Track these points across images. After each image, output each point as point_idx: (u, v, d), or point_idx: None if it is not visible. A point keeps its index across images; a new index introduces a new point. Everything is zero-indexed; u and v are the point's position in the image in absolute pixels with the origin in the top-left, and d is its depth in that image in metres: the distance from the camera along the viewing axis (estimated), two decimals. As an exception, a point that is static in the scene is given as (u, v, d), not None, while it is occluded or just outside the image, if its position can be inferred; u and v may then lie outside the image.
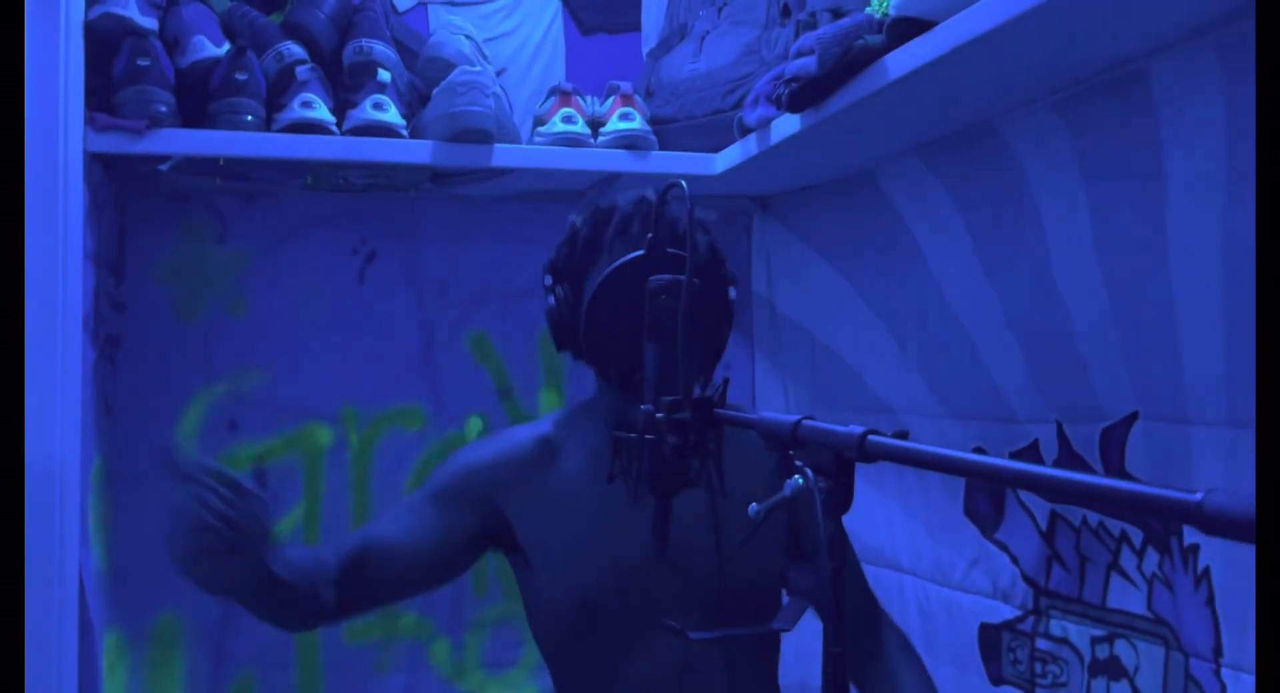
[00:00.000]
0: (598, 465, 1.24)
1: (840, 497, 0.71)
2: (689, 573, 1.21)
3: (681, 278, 0.99)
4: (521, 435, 1.30)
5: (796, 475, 0.72)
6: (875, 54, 1.30)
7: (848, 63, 1.32)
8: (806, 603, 0.73)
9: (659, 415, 0.92)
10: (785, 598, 0.75)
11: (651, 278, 1.02)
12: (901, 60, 1.26)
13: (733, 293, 1.24)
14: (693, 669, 1.22)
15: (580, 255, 1.25)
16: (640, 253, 1.13)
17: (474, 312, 1.97)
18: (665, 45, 2.03)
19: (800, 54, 1.40)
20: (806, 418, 0.76)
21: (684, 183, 1.01)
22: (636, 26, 2.15)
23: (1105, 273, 1.29)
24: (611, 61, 2.10)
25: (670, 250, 1.12)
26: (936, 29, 1.19)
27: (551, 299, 1.26)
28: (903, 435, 0.69)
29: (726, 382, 0.99)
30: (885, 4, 1.41)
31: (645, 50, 2.11)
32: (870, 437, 0.68)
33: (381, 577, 1.23)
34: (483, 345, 1.97)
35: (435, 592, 1.87)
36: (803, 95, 1.42)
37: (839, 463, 0.71)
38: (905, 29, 1.25)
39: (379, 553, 1.22)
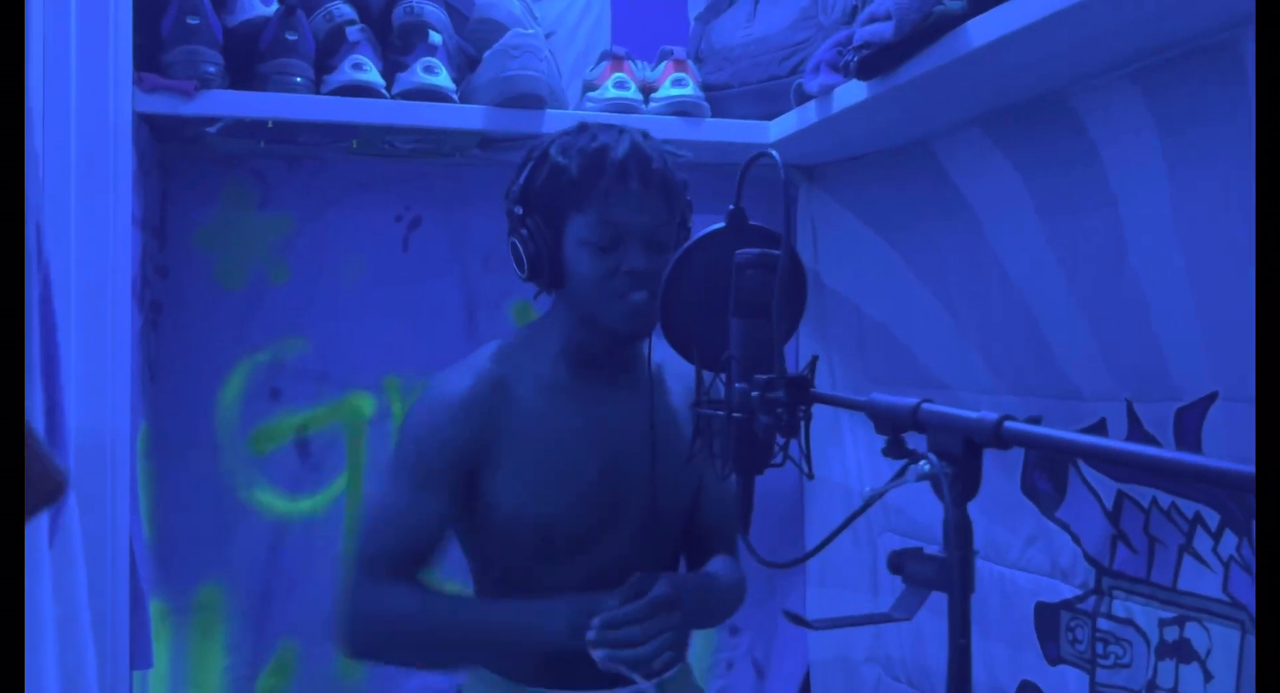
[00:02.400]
0: (551, 402, 1.27)
1: (969, 484, 0.68)
2: (630, 491, 1.29)
3: (773, 252, 0.97)
4: (466, 382, 1.26)
5: (922, 461, 0.70)
6: (955, 20, 1.26)
7: (927, 29, 1.28)
8: (926, 592, 0.71)
9: (754, 394, 0.90)
10: (902, 586, 0.73)
11: (739, 251, 0.99)
12: (985, 28, 1.22)
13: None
14: (629, 568, 1.25)
15: (565, 194, 1.22)
16: (721, 225, 1.09)
17: (518, 280, 1.92)
18: (714, 9, 1.99)
19: (873, 19, 1.36)
20: (925, 400, 0.74)
21: (775, 153, 0.97)
22: (684, -10, 2.10)
23: (1185, 250, 1.26)
24: (658, 25, 2.06)
25: (753, 224, 1.09)
26: (1026, -5, 1.15)
27: (524, 231, 1.26)
28: (1035, 421, 0.67)
29: (815, 360, 0.97)
30: (959, -31, 1.37)
31: (693, 14, 2.06)
32: (1007, 423, 0.65)
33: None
34: (526, 315, 1.94)
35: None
36: (874, 62, 1.38)
37: (967, 448, 0.68)
38: (988, -5, 1.21)
39: (425, 556, 1.26)
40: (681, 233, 1.27)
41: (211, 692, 1.75)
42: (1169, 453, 0.60)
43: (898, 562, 0.73)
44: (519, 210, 1.27)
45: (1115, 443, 0.62)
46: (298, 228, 1.82)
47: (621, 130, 1.25)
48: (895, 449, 0.76)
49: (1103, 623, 1.40)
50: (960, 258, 1.67)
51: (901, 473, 0.73)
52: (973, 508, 1.77)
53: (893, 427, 0.76)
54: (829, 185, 2.04)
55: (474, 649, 1.27)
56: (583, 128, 1.27)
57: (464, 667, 1.32)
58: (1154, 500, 1.32)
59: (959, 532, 0.68)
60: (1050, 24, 1.15)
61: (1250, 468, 0.54)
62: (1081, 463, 1.44)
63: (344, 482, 1.83)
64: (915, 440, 0.77)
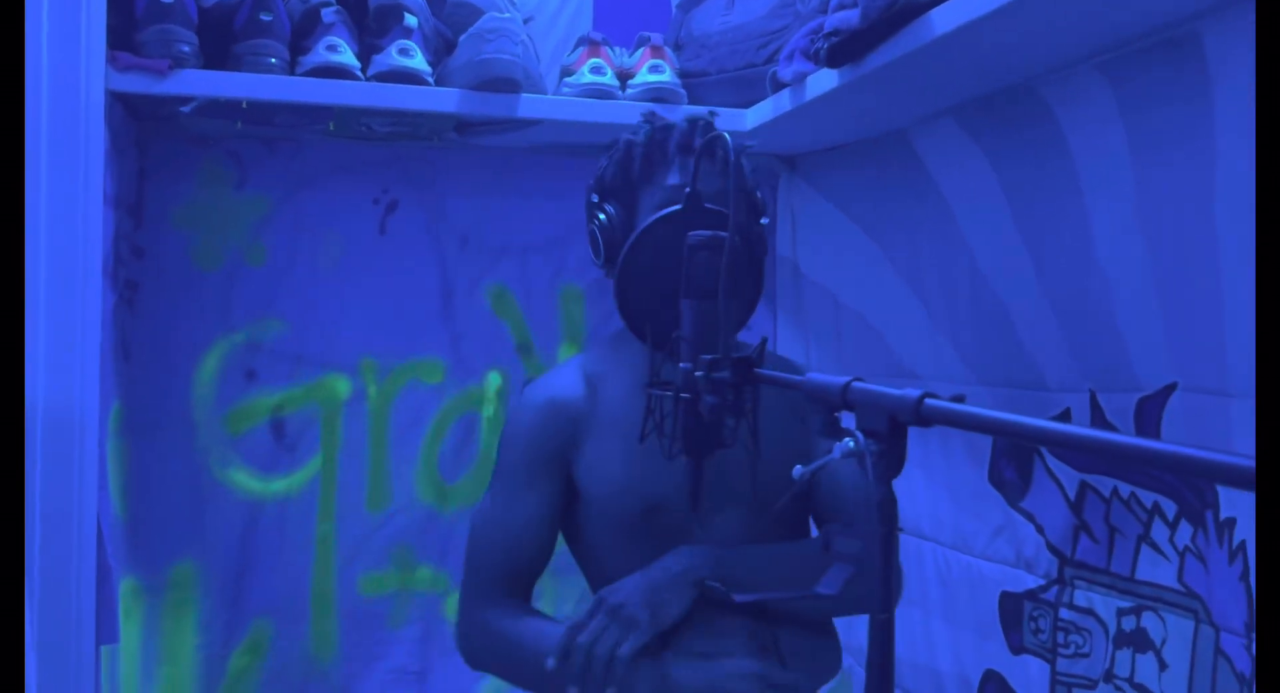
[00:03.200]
0: (639, 391, 1.24)
1: (893, 461, 0.69)
2: (731, 479, 1.24)
3: (722, 234, 0.97)
4: (553, 384, 1.32)
5: (847, 438, 0.70)
6: (921, 8, 1.26)
7: (892, 17, 1.28)
8: (852, 567, 0.72)
9: (698, 374, 0.90)
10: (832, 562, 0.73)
11: (690, 233, 1.00)
12: (948, 15, 1.22)
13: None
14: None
15: (637, 172, 1.27)
16: (677, 207, 1.10)
17: (494, 265, 1.94)
18: (695, -3, 1.99)
19: (841, 7, 1.36)
20: (856, 380, 0.74)
21: (727, 134, 0.98)
22: (665, -23, 2.10)
23: (1147, 241, 1.26)
24: (639, 12, 2.06)
25: (709, 206, 1.10)
26: (988, -17, 1.15)
27: (602, 216, 1.28)
28: (959, 399, 0.67)
29: (764, 341, 0.97)
30: (929, -43, 1.37)
31: (674, 2, 2.06)
32: (927, 400, 0.66)
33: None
34: (503, 299, 1.95)
35: (452, 547, 1.88)
36: (842, 50, 1.38)
37: (892, 427, 0.69)
38: (954, -17, 1.21)
39: (533, 564, 1.29)
40: (752, 214, 1.29)
41: (184, 670, 1.76)
42: (1085, 431, 0.61)
43: (827, 537, 0.74)
44: (595, 198, 1.30)
45: (1036, 422, 0.62)
46: (275, 209, 1.82)
47: (691, 113, 1.31)
48: (830, 428, 0.77)
49: (1064, 613, 1.40)
50: (934, 248, 1.68)
51: (830, 453, 0.73)
52: (943, 498, 1.78)
53: (827, 405, 0.77)
54: (809, 175, 2.05)
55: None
56: (652, 114, 1.34)
57: None
58: (1114, 490, 1.32)
59: (882, 508, 0.68)
60: (1012, 11, 1.15)
61: (1185, 448, 0.54)
62: (1046, 453, 1.44)
63: (319, 463, 1.84)
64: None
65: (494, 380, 1.93)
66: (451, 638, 1.89)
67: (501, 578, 1.27)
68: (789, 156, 2.06)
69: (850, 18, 1.32)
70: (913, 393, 0.67)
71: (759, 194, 1.34)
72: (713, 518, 1.27)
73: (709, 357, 0.90)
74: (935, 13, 1.24)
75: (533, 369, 1.95)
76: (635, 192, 1.27)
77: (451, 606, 1.90)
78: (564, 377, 1.33)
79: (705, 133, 1.25)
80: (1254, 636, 1.12)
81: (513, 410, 1.34)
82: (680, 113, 1.75)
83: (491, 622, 1.25)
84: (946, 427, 0.66)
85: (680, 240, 1.01)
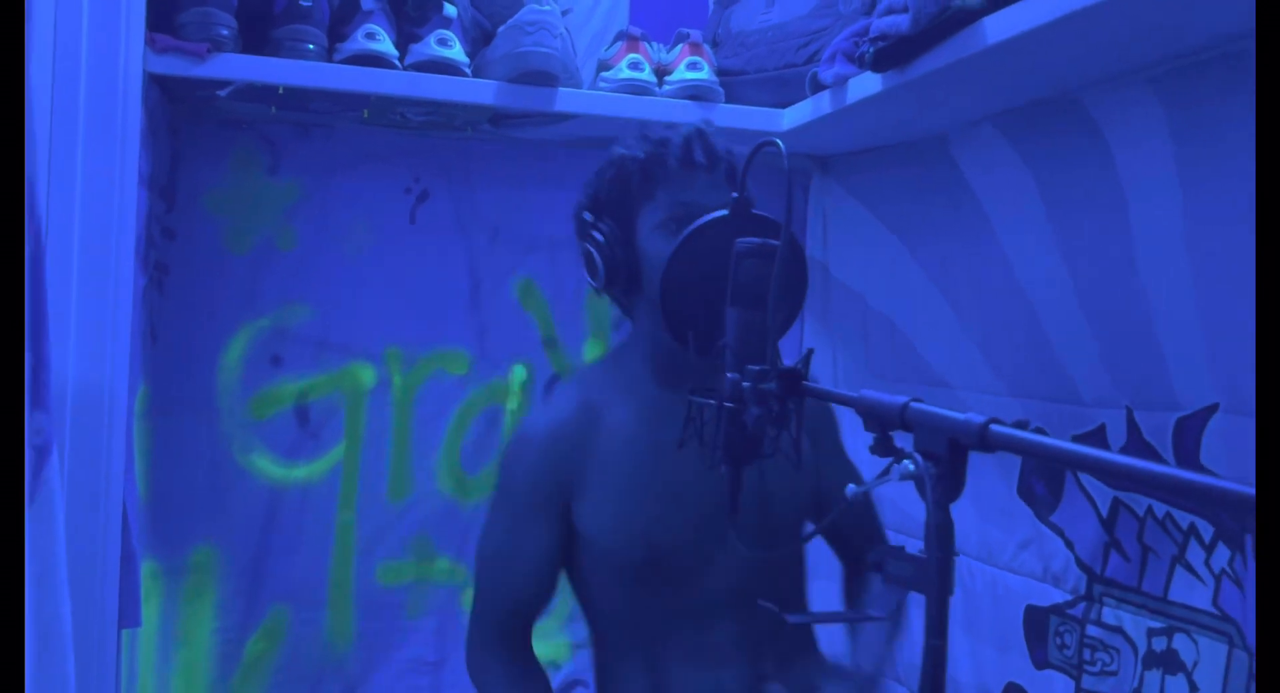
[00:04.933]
0: (643, 420, 1.24)
1: (953, 485, 0.68)
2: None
3: (772, 242, 0.96)
4: (552, 414, 1.27)
5: (906, 461, 0.69)
6: (972, 16, 1.24)
7: (943, 23, 1.26)
8: (904, 591, 0.71)
9: (745, 384, 0.89)
10: (880, 584, 0.72)
11: (739, 240, 0.98)
12: (1002, 24, 1.21)
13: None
14: (747, 589, 1.21)
15: (635, 189, 1.22)
16: (724, 212, 1.09)
17: (523, 258, 1.93)
18: (734, -6, 1.97)
19: (890, 11, 1.34)
20: (914, 399, 0.73)
21: (779, 141, 0.96)
22: (704, -27, 2.08)
23: (1193, 259, 1.25)
24: (675, 6, 2.04)
25: (756, 212, 1.08)
26: (1045, -7, 1.14)
27: (599, 235, 1.24)
28: (1023, 425, 0.66)
29: (810, 352, 0.96)
30: (981, -37, 1.35)
31: (712, -1, 2.05)
32: (993, 426, 0.65)
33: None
34: (530, 293, 1.94)
35: (471, 539, 1.88)
36: (889, 55, 1.37)
37: (953, 450, 0.68)
38: (1007, -8, 1.20)
39: (534, 601, 1.26)
40: (797, 252, 1.23)
41: (201, 653, 1.76)
42: (1156, 467, 0.59)
43: (878, 559, 0.73)
44: (588, 216, 1.25)
45: (1101, 453, 0.61)
46: (306, 195, 1.81)
47: (682, 125, 1.26)
48: (883, 447, 0.76)
49: (1091, 630, 1.39)
50: (968, 255, 1.66)
51: (887, 471, 0.72)
52: (968, 509, 1.77)
53: (881, 424, 0.76)
54: (842, 177, 2.03)
55: None
56: (644, 126, 1.28)
57: None
58: (1149, 510, 1.31)
59: (940, 533, 0.67)
60: (1067, 24, 1.13)
61: (1246, 488, 0.53)
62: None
63: (341, 451, 1.84)
64: (903, 438, 0.76)
65: (519, 374, 1.92)
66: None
67: (505, 616, 1.26)
68: (821, 157, 2.05)
69: (899, 23, 1.31)
70: (976, 418, 0.66)
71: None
72: (716, 558, 1.23)
73: (756, 367, 0.89)
74: (988, 21, 1.22)
75: (557, 364, 1.94)
76: (633, 210, 1.22)
77: (468, 598, 1.90)
78: (563, 410, 1.26)
79: (705, 145, 1.21)
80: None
81: (511, 442, 1.29)
82: (717, 111, 1.75)
83: (491, 668, 1.26)
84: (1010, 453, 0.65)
85: (725, 247, 1.00)
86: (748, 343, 0.94)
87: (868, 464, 1.05)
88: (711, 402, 0.95)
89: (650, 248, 1.20)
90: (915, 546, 1.38)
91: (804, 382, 0.89)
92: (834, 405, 1.35)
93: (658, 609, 1.24)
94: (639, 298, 1.25)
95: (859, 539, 1.35)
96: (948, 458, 0.68)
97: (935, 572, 0.67)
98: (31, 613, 0.87)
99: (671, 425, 1.16)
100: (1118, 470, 0.61)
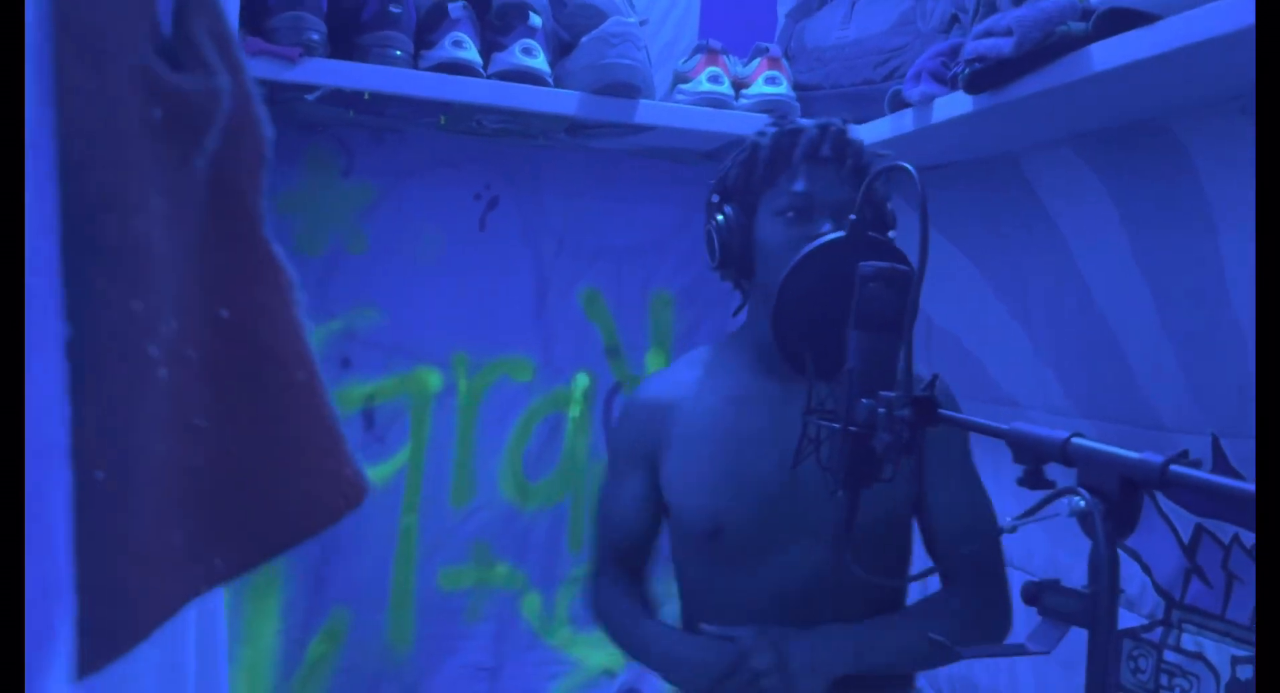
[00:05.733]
0: (731, 401, 1.29)
1: (1124, 523, 0.68)
2: (818, 502, 1.20)
3: (901, 267, 0.97)
4: (657, 382, 1.38)
5: (1075, 497, 0.69)
6: (1077, 42, 1.25)
7: (1045, 49, 1.27)
8: (1066, 626, 0.71)
9: (880, 410, 0.89)
10: (1039, 618, 0.73)
11: (863, 263, 0.99)
12: (1110, 53, 1.21)
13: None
14: (821, 588, 1.25)
15: (760, 174, 1.26)
16: (841, 234, 1.09)
17: (589, 267, 1.94)
18: (805, 8, 1.97)
19: (990, 34, 1.34)
20: (1076, 434, 0.74)
21: (910, 166, 0.97)
22: (776, -14, 2.09)
23: (1290, 288, 1.25)
24: (746, 19, 2.05)
25: (872, 234, 1.09)
26: (1160, 25, 1.14)
27: (720, 217, 1.27)
28: (1195, 464, 0.67)
29: (936, 378, 0.96)
30: (1081, -12, 1.35)
31: (782, 10, 2.05)
32: (1173, 467, 0.65)
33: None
34: (594, 302, 1.95)
35: (530, 545, 1.89)
36: (986, 77, 1.37)
37: (1123, 487, 0.68)
38: (1116, 20, 1.20)
39: (640, 541, 1.37)
40: (879, 222, 1.29)
41: (263, 653, 1.77)
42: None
43: (1035, 593, 0.73)
44: (715, 198, 1.29)
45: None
46: (378, 199, 1.82)
47: (822, 118, 1.29)
48: (1034, 480, 0.76)
49: (1169, 655, 1.40)
50: (1042, 276, 1.66)
51: (1043, 504, 0.73)
52: (1037, 530, 1.76)
53: (1035, 457, 0.76)
54: (908, 192, 2.03)
55: (652, 670, 1.32)
56: (783, 117, 1.36)
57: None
58: (1235, 537, 1.32)
59: (1109, 570, 0.67)
60: (1178, 57, 1.14)
61: None
62: (1159, 494, 1.43)
63: (406, 454, 1.84)
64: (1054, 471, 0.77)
65: (581, 382, 1.93)
66: (525, 636, 1.90)
67: (615, 550, 1.38)
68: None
69: (1001, 46, 1.31)
70: (1154, 458, 0.66)
71: (889, 206, 1.34)
72: (792, 546, 1.26)
73: (890, 394, 0.89)
74: (1095, 48, 1.22)
75: (619, 373, 1.95)
76: (756, 195, 1.26)
77: (528, 604, 1.91)
78: (671, 377, 1.37)
79: (835, 140, 1.25)
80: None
81: (625, 402, 1.44)
82: (795, 125, 1.75)
83: (604, 594, 1.37)
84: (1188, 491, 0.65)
85: (840, 267, 1.00)
86: (875, 367, 0.95)
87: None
88: (836, 425, 0.96)
89: (766, 236, 1.24)
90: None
91: (938, 409, 0.89)
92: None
93: (740, 590, 1.28)
94: (753, 284, 1.29)
95: (949, 545, 1.33)
96: (1119, 495, 0.68)
97: (1105, 608, 0.67)
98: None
99: (760, 415, 1.26)
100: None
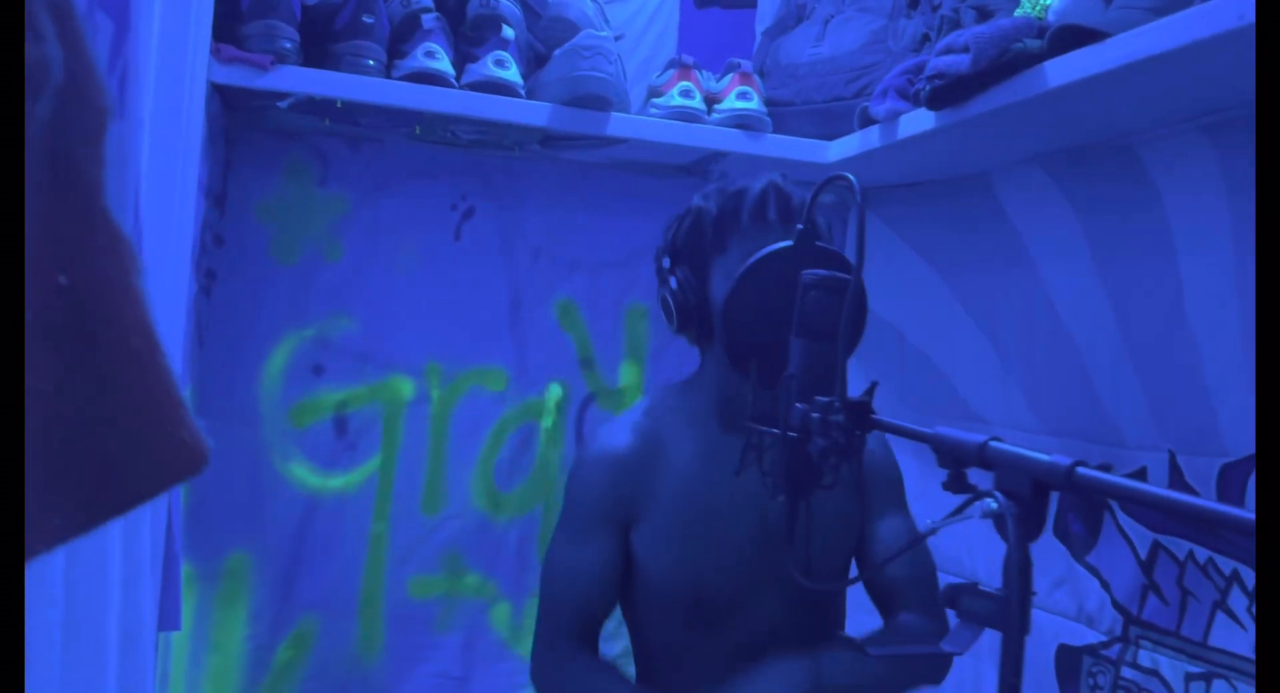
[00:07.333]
0: (703, 458, 1.26)
1: (1034, 525, 0.69)
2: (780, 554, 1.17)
3: (841, 275, 0.98)
4: (621, 438, 1.29)
5: (988, 499, 0.70)
6: (1033, 59, 1.26)
7: (1002, 65, 1.28)
8: (980, 628, 0.72)
9: (814, 415, 0.90)
10: (955, 620, 0.73)
11: (805, 271, 1.00)
12: (1063, 69, 1.23)
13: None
14: (778, 637, 1.24)
15: (709, 238, 1.25)
16: (788, 243, 1.10)
17: (564, 279, 1.95)
18: (781, 25, 1.99)
19: (949, 51, 1.36)
20: (993, 439, 0.74)
21: (852, 176, 0.98)
22: (752, 3, 2.11)
23: (1244, 306, 1.26)
24: (724, 36, 2.07)
25: (819, 244, 1.10)
26: (1111, 42, 1.16)
27: (673, 282, 1.26)
28: (1106, 468, 0.67)
29: (874, 385, 0.97)
30: (1039, 7, 1.37)
31: (759, 28, 2.07)
32: (1079, 469, 0.66)
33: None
34: (569, 313, 1.96)
35: (501, 555, 1.89)
36: (946, 93, 1.38)
37: (1035, 490, 0.69)
38: (1069, 37, 1.22)
39: (596, 609, 1.27)
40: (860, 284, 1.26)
41: (231, 659, 1.77)
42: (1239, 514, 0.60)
43: (952, 595, 0.74)
44: (666, 263, 1.28)
45: (1197, 501, 0.62)
46: (354, 208, 1.83)
47: (760, 176, 1.27)
48: (956, 484, 0.77)
49: (1126, 671, 1.40)
50: (1010, 294, 1.67)
51: (963, 508, 0.73)
52: (1000, 546, 1.76)
53: (956, 461, 0.77)
54: (881, 210, 2.05)
55: None
56: (722, 176, 1.32)
57: None
58: (1190, 554, 1.32)
59: (1021, 572, 0.68)
60: (1129, 72, 1.15)
61: None
62: (1118, 510, 1.44)
63: (377, 462, 1.85)
64: (975, 475, 0.78)
65: (555, 392, 1.94)
66: (494, 646, 1.90)
67: (570, 621, 1.27)
68: (862, 189, 2.06)
69: (959, 62, 1.32)
70: (1063, 460, 0.67)
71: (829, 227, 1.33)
72: (759, 600, 1.26)
73: (824, 399, 0.90)
74: (1050, 65, 1.24)
75: (593, 384, 1.96)
76: (707, 258, 1.25)
77: (497, 615, 1.91)
78: (628, 436, 1.28)
79: (779, 200, 1.23)
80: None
81: (578, 461, 1.33)
82: (765, 141, 1.77)
83: (566, 671, 1.26)
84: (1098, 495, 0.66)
85: (788, 278, 1.01)
86: (813, 373, 0.96)
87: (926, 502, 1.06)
88: (774, 430, 0.96)
89: (721, 297, 1.22)
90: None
91: (872, 415, 0.90)
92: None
93: (702, 647, 1.26)
94: (711, 343, 1.27)
95: (898, 584, 1.31)
96: (1031, 498, 0.69)
97: (1016, 610, 0.68)
98: (116, 614, 0.88)
99: (730, 467, 1.20)
100: (1209, 518, 0.62)
